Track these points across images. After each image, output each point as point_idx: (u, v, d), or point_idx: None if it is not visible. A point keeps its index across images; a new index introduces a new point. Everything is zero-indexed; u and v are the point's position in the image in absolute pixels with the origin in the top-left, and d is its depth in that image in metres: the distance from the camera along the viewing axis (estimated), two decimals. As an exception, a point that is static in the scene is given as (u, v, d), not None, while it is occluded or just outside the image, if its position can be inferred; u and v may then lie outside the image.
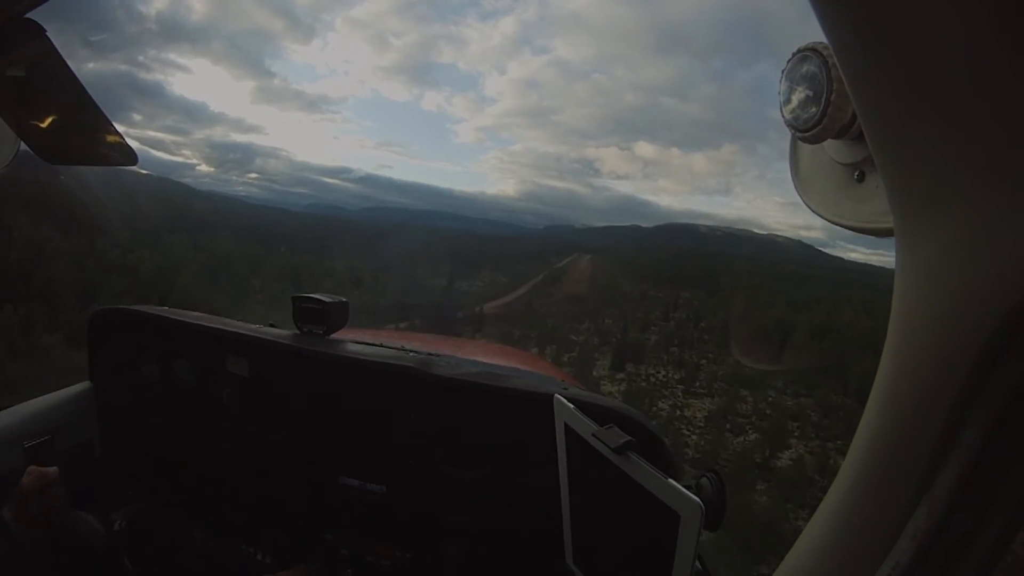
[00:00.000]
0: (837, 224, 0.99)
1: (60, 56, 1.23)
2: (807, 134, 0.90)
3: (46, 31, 1.19)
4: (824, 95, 0.85)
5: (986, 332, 0.62)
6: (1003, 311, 0.60)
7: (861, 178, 0.96)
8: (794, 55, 0.91)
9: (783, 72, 0.93)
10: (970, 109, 0.56)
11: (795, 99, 0.91)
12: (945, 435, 0.67)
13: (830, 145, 0.98)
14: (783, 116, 0.94)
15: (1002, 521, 0.67)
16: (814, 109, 0.87)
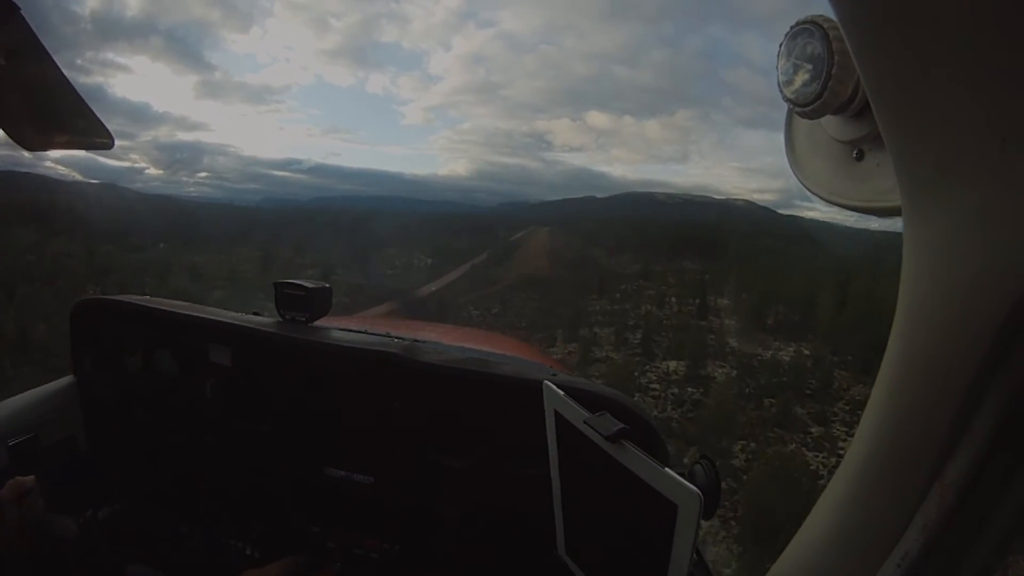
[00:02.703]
0: (834, 203, 0.97)
1: (36, 36, 1.18)
2: (806, 109, 0.87)
3: (20, 9, 1.14)
4: (825, 69, 0.82)
5: (1001, 313, 0.59)
6: (1020, 290, 0.57)
7: (860, 156, 0.93)
8: (792, 28, 0.88)
9: (780, 45, 0.90)
10: (983, 81, 0.54)
11: (794, 73, 0.87)
12: (957, 421, 0.65)
13: (828, 122, 0.95)
14: (781, 91, 0.90)
15: (1015, 510, 0.65)
16: (814, 84, 0.84)
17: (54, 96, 1.32)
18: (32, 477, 1.51)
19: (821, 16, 0.83)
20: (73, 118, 1.41)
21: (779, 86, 0.90)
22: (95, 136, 1.43)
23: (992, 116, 0.54)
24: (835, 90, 0.82)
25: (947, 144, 0.60)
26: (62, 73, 1.27)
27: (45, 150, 1.75)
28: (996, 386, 0.62)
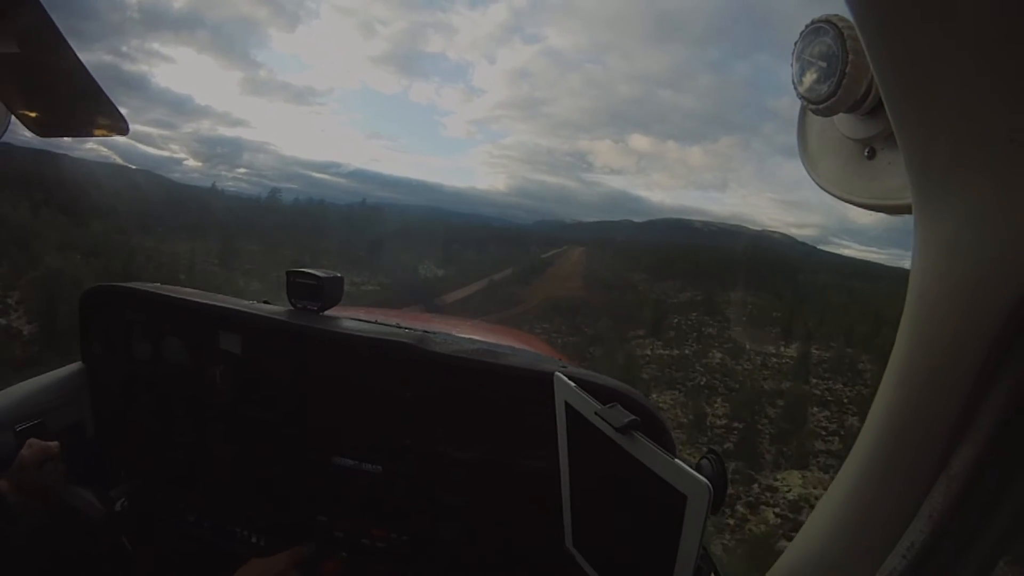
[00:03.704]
0: (846, 201, 0.98)
1: (52, 21, 1.18)
2: (819, 106, 0.88)
3: None
4: (839, 67, 0.83)
5: (1007, 307, 0.61)
6: None
7: (872, 155, 0.94)
8: (808, 26, 0.89)
9: (796, 43, 0.91)
10: (995, 78, 0.54)
11: (808, 71, 0.89)
12: (964, 412, 0.66)
13: (841, 120, 0.96)
14: (795, 88, 0.91)
15: (1021, 501, 0.66)
16: (828, 81, 0.85)
17: (68, 81, 1.32)
18: (56, 443, 1.52)
19: (836, 15, 0.84)
20: (86, 103, 1.41)
21: (793, 83, 0.91)
22: (109, 121, 1.43)
23: (1003, 113, 0.55)
24: (849, 88, 0.83)
25: (959, 140, 0.61)
26: (77, 57, 1.27)
27: (56, 136, 1.76)
28: (1002, 378, 0.63)
